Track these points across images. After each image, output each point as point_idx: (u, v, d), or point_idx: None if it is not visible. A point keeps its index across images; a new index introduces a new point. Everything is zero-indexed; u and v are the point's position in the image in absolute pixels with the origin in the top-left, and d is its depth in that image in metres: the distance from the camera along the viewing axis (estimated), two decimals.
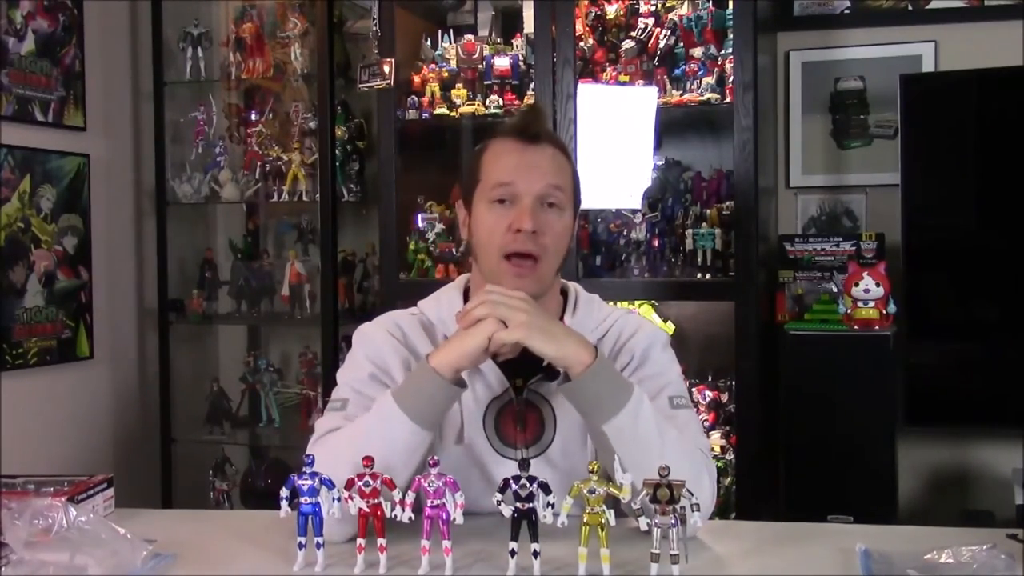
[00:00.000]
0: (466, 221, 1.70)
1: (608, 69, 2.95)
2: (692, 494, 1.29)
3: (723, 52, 2.83)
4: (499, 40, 3.13)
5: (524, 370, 1.62)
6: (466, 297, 1.70)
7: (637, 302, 2.91)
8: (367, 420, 1.52)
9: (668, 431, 1.50)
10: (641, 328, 1.70)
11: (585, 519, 1.28)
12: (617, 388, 1.49)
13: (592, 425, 1.51)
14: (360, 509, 1.35)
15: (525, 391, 1.63)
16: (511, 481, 1.29)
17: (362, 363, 1.65)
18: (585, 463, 1.50)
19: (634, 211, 2.91)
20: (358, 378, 1.64)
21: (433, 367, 1.49)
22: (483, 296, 1.52)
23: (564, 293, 1.74)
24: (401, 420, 1.48)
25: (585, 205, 2.85)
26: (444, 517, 1.32)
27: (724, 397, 2.95)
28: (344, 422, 1.58)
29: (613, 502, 1.30)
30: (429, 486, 1.32)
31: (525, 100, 2.96)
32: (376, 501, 1.35)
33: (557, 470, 1.57)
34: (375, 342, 1.67)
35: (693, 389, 2.96)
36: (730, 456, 2.85)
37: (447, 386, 1.49)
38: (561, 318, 1.67)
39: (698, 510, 1.30)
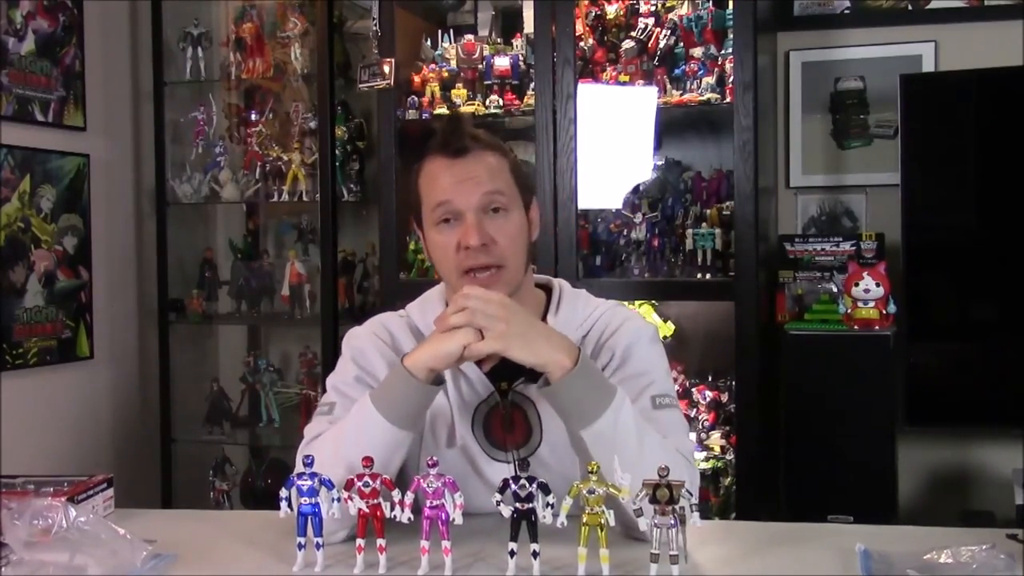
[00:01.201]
0: (424, 243, 1.69)
1: (608, 69, 2.94)
2: (691, 494, 1.28)
3: (723, 52, 2.83)
4: (499, 40, 3.12)
5: (508, 373, 1.60)
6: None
7: (637, 302, 2.91)
8: (347, 422, 1.53)
9: (649, 436, 1.47)
10: (625, 323, 1.66)
11: (584, 519, 1.28)
12: (597, 393, 1.46)
13: (571, 430, 1.48)
14: (360, 509, 1.35)
15: (510, 394, 1.63)
16: (510, 482, 1.29)
17: (349, 367, 1.66)
18: (575, 463, 1.50)
19: (634, 211, 2.92)
20: (344, 381, 1.65)
21: (407, 367, 1.49)
22: (462, 301, 1.49)
23: (548, 290, 1.72)
24: (377, 420, 1.48)
25: (585, 205, 2.91)
26: (443, 517, 1.32)
27: (724, 397, 2.95)
28: (329, 426, 1.59)
29: (612, 502, 1.30)
30: (428, 487, 1.32)
31: (525, 100, 2.96)
32: (376, 501, 1.35)
33: (548, 471, 1.55)
34: (361, 345, 1.68)
35: (693, 389, 2.97)
36: (730, 456, 2.85)
37: (421, 387, 1.49)
38: (544, 317, 1.66)
39: (697, 510, 1.30)
